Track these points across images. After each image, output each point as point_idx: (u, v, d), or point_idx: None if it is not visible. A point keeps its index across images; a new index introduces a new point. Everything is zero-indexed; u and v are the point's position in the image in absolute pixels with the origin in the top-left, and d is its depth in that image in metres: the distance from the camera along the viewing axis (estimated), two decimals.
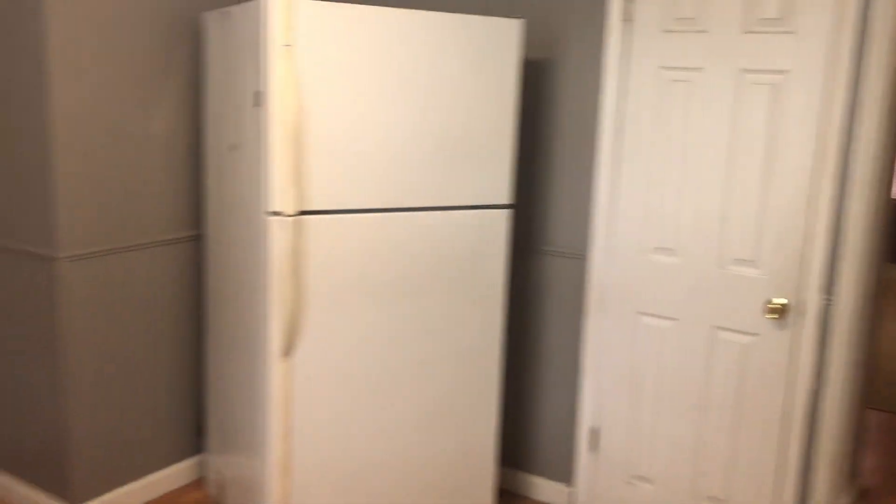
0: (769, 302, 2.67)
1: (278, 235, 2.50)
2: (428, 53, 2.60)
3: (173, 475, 3.22)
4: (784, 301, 2.66)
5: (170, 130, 2.99)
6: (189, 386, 3.23)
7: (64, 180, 2.69)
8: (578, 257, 3.04)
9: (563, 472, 3.22)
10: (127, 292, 2.94)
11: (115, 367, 2.95)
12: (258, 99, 2.48)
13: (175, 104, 2.99)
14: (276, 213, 2.50)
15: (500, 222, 2.84)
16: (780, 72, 2.57)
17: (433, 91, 2.64)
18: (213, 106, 2.89)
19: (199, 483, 3.28)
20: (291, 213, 2.49)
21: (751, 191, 2.68)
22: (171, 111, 2.98)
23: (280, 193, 2.48)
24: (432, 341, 2.81)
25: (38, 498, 2.96)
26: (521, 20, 2.76)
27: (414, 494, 2.90)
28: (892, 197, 3.06)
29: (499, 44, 2.70)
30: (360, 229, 2.62)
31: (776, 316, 2.66)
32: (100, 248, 2.83)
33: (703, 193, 2.77)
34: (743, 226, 2.71)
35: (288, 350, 2.59)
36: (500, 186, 2.82)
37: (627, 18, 2.82)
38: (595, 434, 3.11)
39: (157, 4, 2.87)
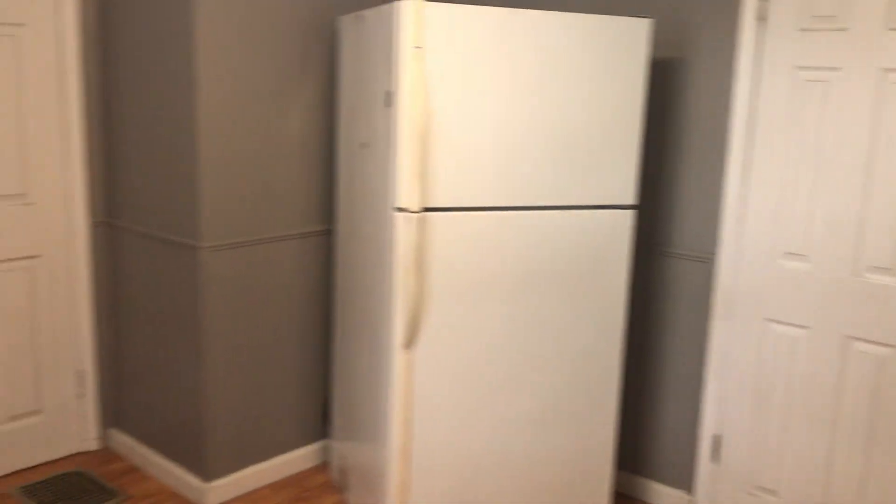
0: None
1: (404, 231, 2.59)
2: (555, 53, 2.62)
3: (299, 458, 3.37)
4: None
5: (305, 129, 3.13)
6: (316, 373, 3.37)
7: (207, 176, 2.88)
8: (704, 260, 2.98)
9: (683, 479, 3.16)
10: (261, 282, 3.11)
11: (249, 352, 3.12)
12: (389, 99, 2.57)
13: (310, 104, 3.13)
14: (402, 210, 2.58)
15: (624, 223, 2.83)
16: None
17: (559, 90, 2.65)
18: (346, 105, 3.01)
19: (322, 467, 3.42)
20: (416, 209, 2.57)
21: (892, 196, 2.55)
22: (306, 111, 3.12)
23: (406, 190, 2.56)
24: (552, 340, 2.82)
25: (177, 472, 3.17)
26: (650, 20, 2.73)
27: (530, 490, 2.93)
28: None
29: (627, 43, 2.69)
30: (482, 227, 2.67)
31: None
32: (237, 240, 3.00)
33: (838, 197, 2.66)
34: (882, 233, 2.58)
35: (410, 342, 2.67)
36: (624, 187, 2.80)
37: (761, 17, 2.74)
38: (717, 442, 3.04)
39: (297, 10, 3.02)
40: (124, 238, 3.27)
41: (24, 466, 3.30)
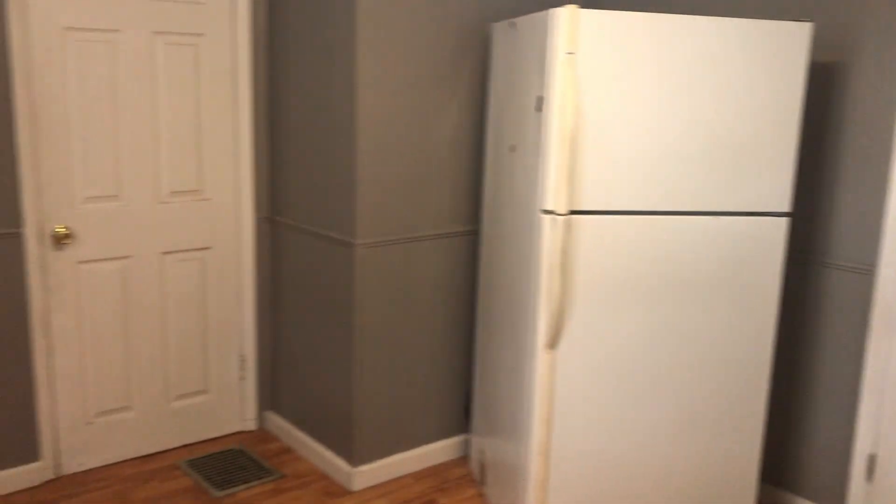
0: None
1: (550, 233, 2.64)
2: (708, 58, 2.60)
3: (440, 450, 3.49)
4: None
5: (455, 132, 3.24)
6: (459, 369, 3.48)
7: (363, 177, 3.03)
8: (863, 272, 2.86)
9: (832, 497, 3.04)
10: (410, 279, 3.24)
11: (397, 345, 3.26)
12: (540, 103, 2.63)
13: (461, 108, 3.24)
14: (549, 212, 2.63)
15: (778, 230, 2.76)
16: None
17: (713, 95, 2.63)
18: (496, 109, 3.09)
19: (462, 460, 3.52)
20: (563, 212, 2.61)
21: None
22: (457, 114, 3.23)
23: (554, 193, 2.61)
24: (698, 347, 2.79)
25: (327, 456, 3.36)
26: (811, 23, 2.65)
27: (669, 497, 2.91)
28: None
29: (786, 47, 2.62)
30: (630, 231, 2.68)
31: None
32: (390, 238, 3.14)
33: None
34: None
35: (553, 343, 2.71)
36: (779, 194, 2.73)
37: None
38: (872, 461, 2.91)
39: (452, 19, 3.13)
40: (285, 233, 3.49)
41: (190, 441, 3.59)
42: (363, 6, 2.90)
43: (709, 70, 2.61)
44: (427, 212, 3.23)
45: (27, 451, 3.17)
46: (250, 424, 3.73)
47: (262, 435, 3.71)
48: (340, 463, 3.29)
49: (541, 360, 2.72)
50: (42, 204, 3.06)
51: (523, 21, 2.80)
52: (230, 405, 3.67)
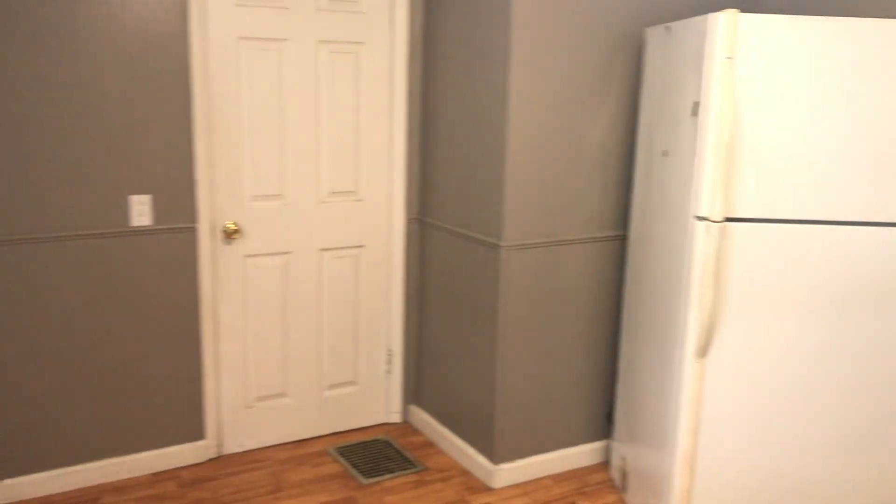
0: None
1: (703, 240, 2.60)
2: (873, 61, 2.49)
3: (581, 454, 3.49)
4: None
5: (605, 137, 3.24)
6: (602, 373, 3.47)
7: (512, 180, 3.09)
8: None
9: None
10: (555, 282, 3.27)
11: (541, 347, 3.30)
12: (696, 108, 2.60)
13: (611, 113, 3.24)
14: (702, 219, 2.59)
15: None
16: None
17: (878, 99, 2.51)
18: (647, 114, 3.07)
19: (603, 466, 3.51)
20: (718, 219, 2.57)
21: None
22: (607, 119, 3.23)
23: (709, 200, 2.57)
24: (862, 364, 2.67)
25: (469, 452, 3.44)
26: None
27: None
28: None
29: None
30: (789, 240, 2.60)
31: None
32: (536, 241, 3.19)
33: None
34: None
35: (703, 351, 2.67)
36: None
37: None
38: None
39: (605, 23, 3.13)
40: (433, 234, 3.60)
41: (339, 430, 3.77)
42: (518, 13, 2.95)
43: (873, 73, 2.50)
44: (574, 216, 3.25)
45: (194, 429, 3.42)
46: (395, 417, 3.87)
47: (405, 428, 3.84)
48: (481, 460, 3.36)
49: (689, 368, 2.69)
50: (215, 201, 3.30)
51: (679, 25, 2.77)
52: (377, 397, 3.83)
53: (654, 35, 3.02)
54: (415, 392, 3.87)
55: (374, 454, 3.56)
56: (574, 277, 3.31)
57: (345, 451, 3.58)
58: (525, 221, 3.15)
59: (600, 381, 3.48)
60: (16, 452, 3.09)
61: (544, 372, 3.33)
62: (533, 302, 3.24)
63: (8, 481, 3.09)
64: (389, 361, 3.81)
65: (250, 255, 3.42)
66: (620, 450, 3.31)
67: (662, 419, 2.86)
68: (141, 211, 3.14)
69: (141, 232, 3.16)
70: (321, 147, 3.47)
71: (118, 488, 3.22)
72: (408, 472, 3.41)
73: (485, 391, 3.32)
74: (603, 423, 3.53)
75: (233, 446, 3.54)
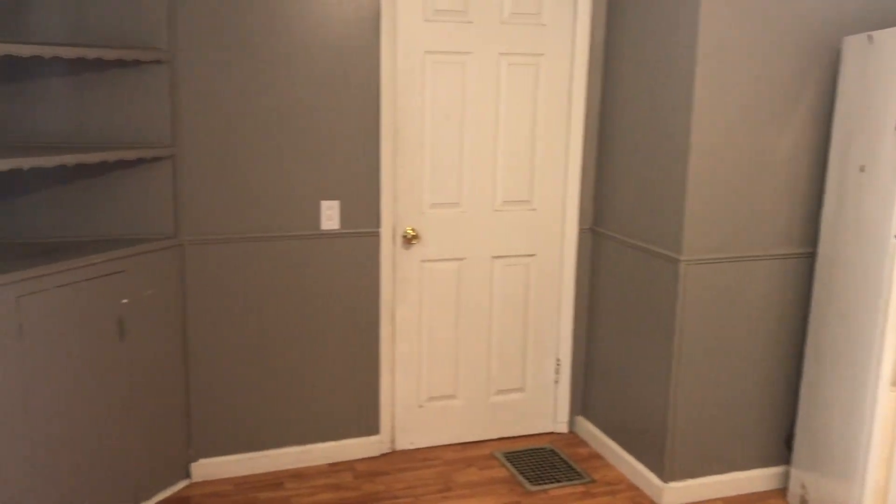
0: None
1: None
2: None
3: (756, 478, 3.36)
4: None
5: (794, 149, 3.11)
6: (781, 396, 3.33)
7: (693, 193, 3.03)
8: None
9: None
10: (736, 299, 3.17)
11: (717, 365, 3.21)
12: None
13: (802, 124, 3.10)
14: None
15: None
16: None
17: None
18: (842, 127, 2.92)
19: (779, 493, 3.36)
20: None
21: None
22: (797, 131, 3.10)
23: None
24: None
25: (637, 467, 3.40)
26: None
27: None
28: None
29: None
30: None
31: None
32: (717, 256, 3.10)
33: None
34: None
35: None
36: None
37: None
38: None
39: (800, 33, 3.01)
40: (607, 244, 3.59)
41: (505, 435, 3.82)
42: (706, 24, 2.90)
43: None
44: (758, 231, 3.14)
45: (370, 424, 3.59)
46: (561, 426, 3.88)
47: (572, 438, 3.84)
48: (651, 476, 3.31)
49: (883, 397, 2.54)
50: (396, 208, 3.44)
51: (885, 35, 2.62)
52: (544, 405, 3.85)
53: (853, 44, 2.87)
54: (582, 403, 3.87)
55: (540, 462, 3.59)
56: (756, 295, 3.20)
57: (512, 457, 3.63)
58: (706, 235, 3.08)
59: (780, 404, 3.34)
60: (210, 435, 3.36)
61: (720, 390, 3.24)
62: (711, 318, 3.16)
63: (202, 461, 3.36)
64: (557, 371, 3.83)
65: (427, 260, 3.55)
66: (801, 477, 3.16)
67: (851, 448, 2.71)
68: (330, 216, 3.34)
69: (329, 235, 3.36)
70: (498, 157, 3.55)
71: (299, 475, 3.43)
72: (574, 482, 3.42)
73: (657, 407, 3.27)
74: (781, 448, 3.38)
75: (404, 443, 3.68)
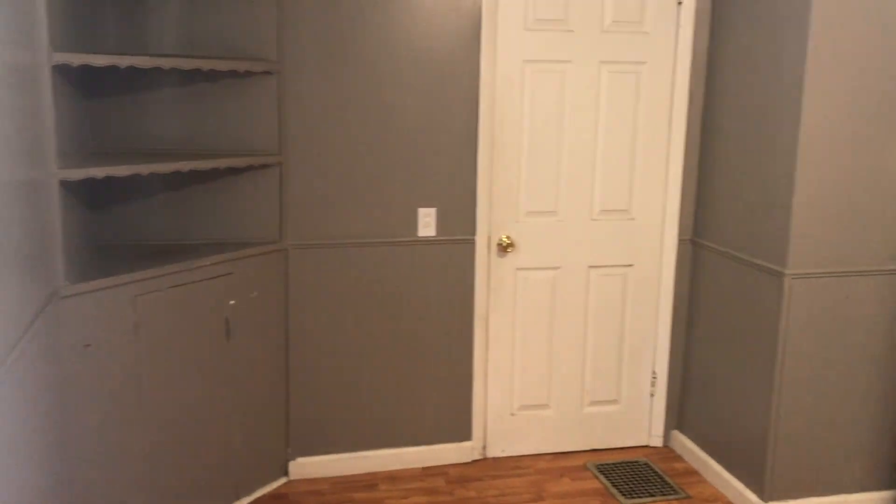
0: None
1: None
2: None
3: (863, 503, 3.22)
4: None
5: None
6: (894, 417, 3.18)
7: (801, 204, 2.94)
8: None
9: None
10: (845, 315, 3.05)
11: (822, 383, 3.09)
12: None
13: None
14: None
15: None
16: None
17: None
18: None
19: None
20: None
21: None
22: None
23: None
24: None
25: (735, 484, 3.31)
26: None
27: None
28: None
29: None
30: None
31: None
32: (824, 270, 3.00)
33: None
34: None
35: None
36: None
37: None
38: None
39: None
40: (706, 256, 3.51)
41: (598, 447, 3.78)
42: (816, 32, 2.81)
43: None
44: (869, 245, 3.02)
45: (462, 430, 3.61)
46: (656, 440, 3.81)
47: (666, 452, 3.77)
48: (750, 495, 3.21)
49: None
50: (492, 216, 3.46)
51: None
52: (639, 418, 3.79)
53: None
54: (678, 417, 3.79)
55: (634, 475, 3.53)
56: (867, 311, 3.07)
57: (605, 469, 3.58)
58: (812, 249, 2.98)
59: (891, 426, 3.19)
60: (308, 434, 3.45)
61: (826, 409, 3.12)
62: (817, 334, 3.05)
63: (300, 459, 3.45)
64: (654, 383, 3.76)
65: (521, 269, 3.55)
66: None
67: None
68: (426, 223, 3.38)
69: (426, 242, 3.40)
70: (596, 165, 3.52)
71: (393, 477, 3.48)
72: (669, 497, 3.35)
73: (758, 423, 3.17)
74: (891, 472, 3.23)
75: (496, 450, 3.68)
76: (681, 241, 3.64)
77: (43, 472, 2.13)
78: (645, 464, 3.64)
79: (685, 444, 3.69)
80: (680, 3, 3.43)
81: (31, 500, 1.98)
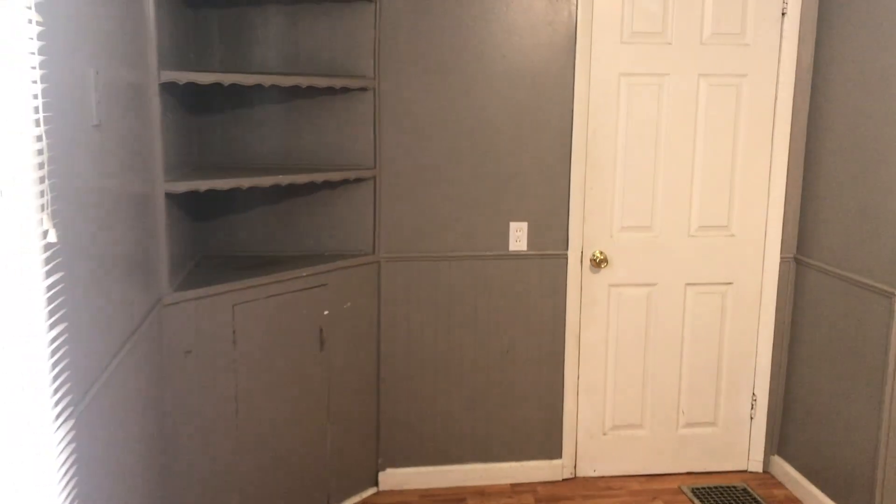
0: None
1: None
2: None
3: None
4: None
5: None
6: None
7: None
8: None
9: None
10: None
11: None
12: None
13: None
14: None
15: None
16: None
17: None
18: None
19: None
20: None
21: None
22: None
23: None
24: None
25: None
26: None
27: None
28: None
29: None
30: None
31: None
32: None
33: None
34: None
35: None
36: None
37: None
38: None
39: None
40: (810, 274, 3.37)
41: (693, 470, 3.66)
42: None
43: None
44: None
45: (552, 448, 3.56)
46: (755, 465, 3.66)
47: (766, 478, 3.61)
48: None
49: None
50: (584, 231, 3.42)
51: None
52: (737, 442, 3.66)
53: None
54: (779, 442, 3.63)
55: (731, 501, 3.40)
56: None
57: (700, 493, 3.47)
58: None
59: None
60: (398, 446, 3.47)
61: None
62: None
63: (390, 470, 3.48)
64: (754, 406, 3.62)
65: (615, 285, 3.49)
66: None
67: None
68: (518, 237, 3.37)
69: (517, 256, 3.39)
70: (694, 180, 3.43)
71: (481, 492, 3.46)
72: None
73: (865, 451, 3.01)
74: None
75: (587, 469, 3.62)
76: (783, 259, 3.50)
77: (141, 472, 2.22)
78: (743, 489, 3.50)
79: (786, 471, 3.53)
80: (784, 14, 3.32)
81: (128, 502, 2.06)
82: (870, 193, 2.98)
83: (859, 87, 3.04)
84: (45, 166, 1.45)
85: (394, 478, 3.48)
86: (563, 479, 3.58)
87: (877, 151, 2.93)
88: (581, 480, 3.59)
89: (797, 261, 3.47)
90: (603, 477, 3.62)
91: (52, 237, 1.45)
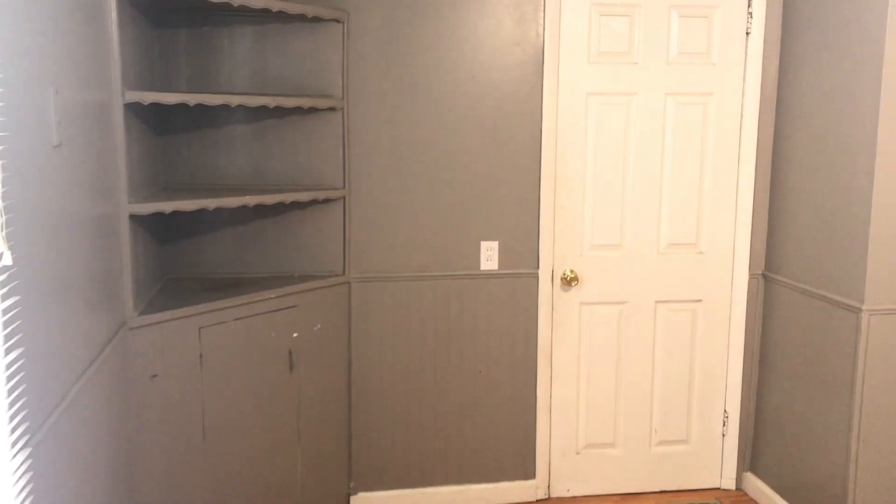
0: None
1: None
2: None
3: None
4: None
5: None
6: None
7: (877, 234, 2.81)
8: None
9: None
10: None
11: None
12: None
13: None
14: None
15: None
16: None
17: None
18: None
19: None
20: None
21: None
22: None
23: None
24: None
25: None
26: None
27: None
28: None
29: None
30: None
31: None
32: None
33: None
34: None
35: None
36: None
37: None
38: None
39: None
40: (779, 291, 3.39)
41: (667, 488, 3.66)
42: (891, 59, 2.72)
43: None
44: None
45: (525, 468, 3.54)
46: (728, 482, 3.67)
47: (739, 496, 3.62)
48: None
49: None
50: (555, 250, 3.42)
51: None
52: (710, 460, 3.66)
53: None
54: (751, 458, 3.64)
55: None
56: None
57: None
58: (891, 284, 2.84)
59: None
60: (370, 469, 3.43)
61: None
62: None
63: (362, 494, 3.44)
64: (725, 423, 3.63)
65: (586, 303, 3.49)
66: None
67: None
68: (489, 256, 3.37)
69: (488, 276, 3.38)
70: (663, 198, 3.45)
71: None
72: None
73: (836, 468, 3.02)
74: None
75: (560, 490, 3.60)
76: (752, 276, 3.53)
77: (108, 497, 2.16)
78: None
79: (759, 487, 3.54)
80: (748, 34, 3.36)
81: None
82: (835, 209, 3.01)
83: (823, 103, 3.08)
84: (1, 187, 1.42)
85: (366, 502, 3.44)
86: (538, 500, 3.56)
87: (842, 167, 2.97)
88: (555, 501, 3.57)
89: (766, 277, 3.50)
90: (577, 497, 3.60)
91: (8, 260, 1.42)
